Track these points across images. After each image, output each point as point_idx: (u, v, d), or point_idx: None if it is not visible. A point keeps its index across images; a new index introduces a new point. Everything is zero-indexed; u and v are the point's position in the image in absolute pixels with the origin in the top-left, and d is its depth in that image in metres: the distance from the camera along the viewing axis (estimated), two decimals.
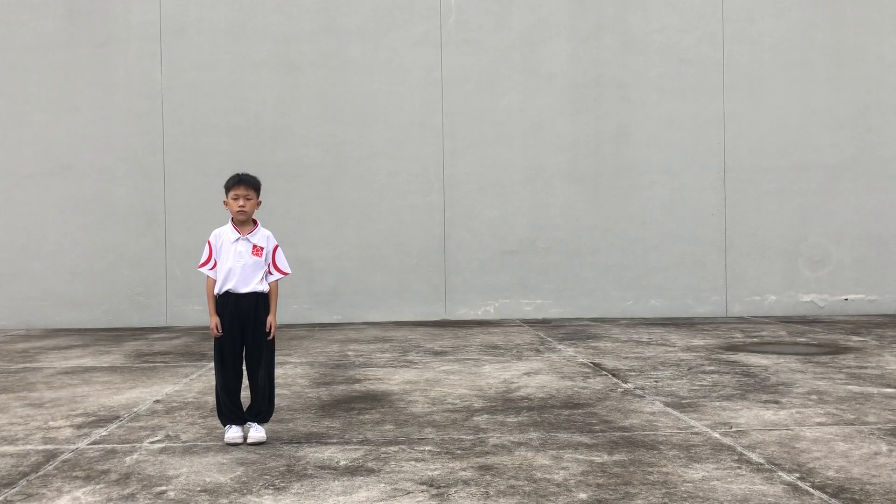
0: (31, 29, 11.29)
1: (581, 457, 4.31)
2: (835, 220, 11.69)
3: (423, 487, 3.83)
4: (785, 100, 11.67)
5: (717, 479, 3.89)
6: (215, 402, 4.84)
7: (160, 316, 11.24)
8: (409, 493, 3.75)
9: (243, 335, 4.74)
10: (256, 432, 4.69)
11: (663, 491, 3.73)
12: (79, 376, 7.08)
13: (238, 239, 4.71)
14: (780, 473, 3.99)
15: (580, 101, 11.59)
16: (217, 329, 4.68)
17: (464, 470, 4.09)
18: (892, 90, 11.73)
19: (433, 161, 11.50)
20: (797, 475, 3.95)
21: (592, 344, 8.68)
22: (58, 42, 11.29)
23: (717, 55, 11.64)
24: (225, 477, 4.04)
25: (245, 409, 4.79)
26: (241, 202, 4.69)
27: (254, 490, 3.83)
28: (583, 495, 3.68)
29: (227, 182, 4.75)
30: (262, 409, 4.78)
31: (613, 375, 6.74)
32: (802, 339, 8.92)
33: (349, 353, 8.27)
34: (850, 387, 6.12)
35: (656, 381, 6.43)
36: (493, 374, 6.86)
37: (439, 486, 3.84)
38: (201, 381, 6.71)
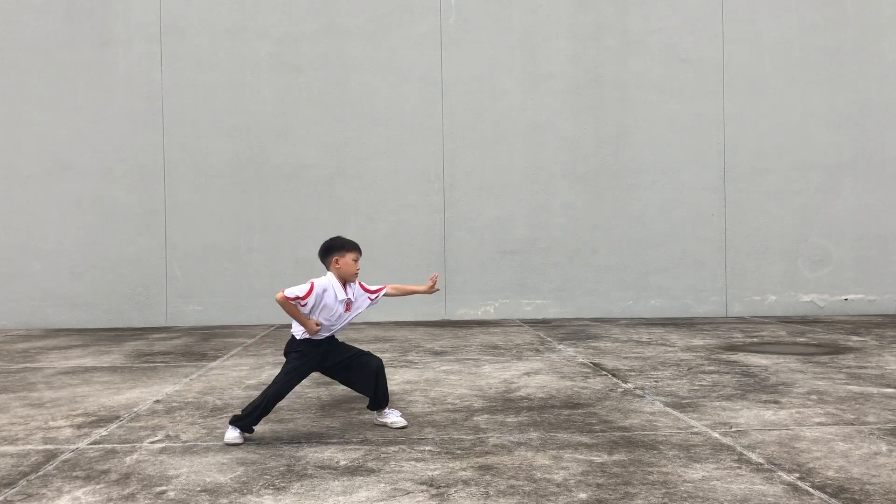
0: (31, 29, 11.30)
1: (581, 457, 4.31)
2: (835, 220, 11.69)
3: (423, 487, 3.83)
4: (785, 100, 11.67)
5: (717, 479, 3.89)
6: (253, 407, 4.73)
7: (160, 316, 11.24)
8: (409, 493, 3.75)
9: (324, 363, 4.91)
10: (398, 417, 5.04)
11: (663, 491, 3.72)
12: (79, 376, 7.08)
13: (344, 298, 4.91)
14: (780, 473, 3.98)
15: (580, 101, 11.59)
16: (318, 325, 4.83)
17: (464, 470, 4.09)
18: (892, 90, 11.73)
19: (433, 161, 11.50)
20: (797, 475, 3.95)
21: (592, 344, 8.68)
22: (58, 42, 11.30)
23: (717, 55, 11.64)
24: (225, 477, 4.04)
25: (375, 404, 5.03)
26: (358, 266, 4.93)
27: (254, 490, 3.83)
28: (583, 495, 3.68)
29: (345, 243, 4.88)
30: (386, 396, 5.03)
31: (613, 375, 6.74)
32: (802, 339, 8.92)
33: None
34: (849, 387, 6.12)
35: (656, 381, 6.43)
36: (493, 374, 6.85)
37: (439, 486, 3.84)
38: (201, 381, 6.71)
